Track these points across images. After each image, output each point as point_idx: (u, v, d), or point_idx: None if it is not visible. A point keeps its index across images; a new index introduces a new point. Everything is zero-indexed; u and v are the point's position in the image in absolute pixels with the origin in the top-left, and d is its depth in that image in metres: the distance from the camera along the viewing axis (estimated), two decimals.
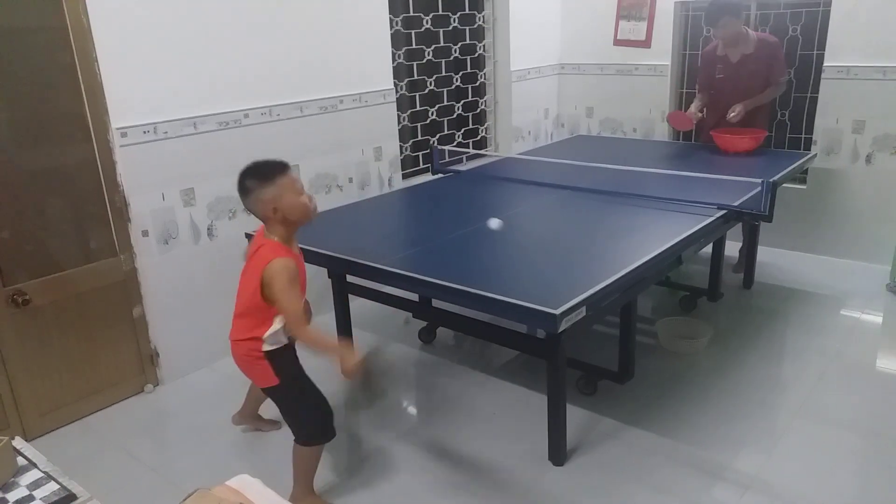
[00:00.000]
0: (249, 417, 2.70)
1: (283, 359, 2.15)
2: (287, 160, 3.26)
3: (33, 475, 1.40)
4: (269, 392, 2.22)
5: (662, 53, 4.71)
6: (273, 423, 2.71)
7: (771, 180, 2.85)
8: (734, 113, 3.76)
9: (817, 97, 4.10)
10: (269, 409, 2.54)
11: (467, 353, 3.35)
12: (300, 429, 2.25)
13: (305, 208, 2.09)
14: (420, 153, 4.44)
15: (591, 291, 2.13)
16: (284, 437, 2.67)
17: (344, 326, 3.09)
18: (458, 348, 3.43)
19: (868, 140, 3.98)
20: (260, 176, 2.04)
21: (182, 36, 2.92)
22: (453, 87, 4.59)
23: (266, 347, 2.10)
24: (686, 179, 3.21)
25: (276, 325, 2.08)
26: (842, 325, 3.46)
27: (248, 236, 2.86)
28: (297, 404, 2.24)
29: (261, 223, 2.14)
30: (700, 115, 4.05)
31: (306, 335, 2.05)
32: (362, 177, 3.84)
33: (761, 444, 2.54)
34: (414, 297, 2.97)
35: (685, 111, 4.07)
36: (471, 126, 4.83)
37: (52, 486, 1.37)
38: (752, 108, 3.81)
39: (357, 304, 3.12)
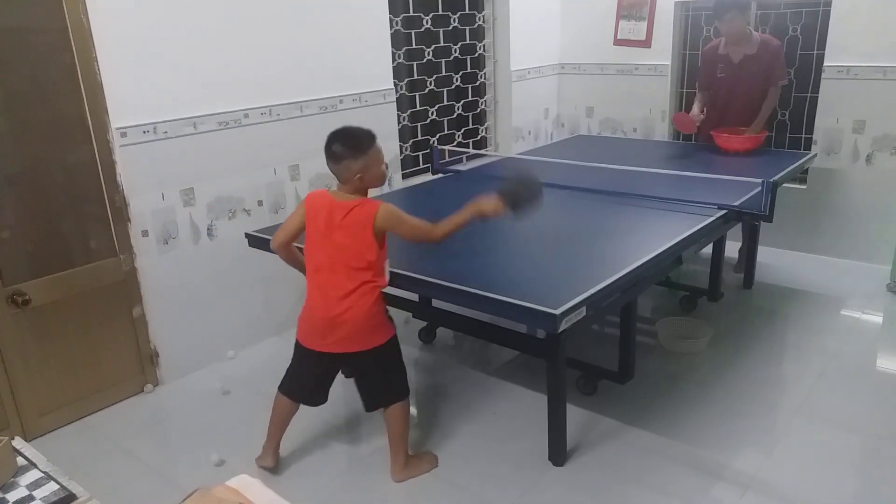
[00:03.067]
0: (274, 453, 2.50)
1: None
2: (287, 160, 3.26)
3: (33, 475, 1.40)
4: (384, 348, 2.28)
5: (663, 53, 4.71)
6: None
7: (771, 180, 2.85)
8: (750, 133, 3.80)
9: (817, 97, 4.10)
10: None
11: (467, 353, 3.35)
12: (403, 378, 2.39)
13: (384, 177, 2.31)
14: (420, 153, 4.43)
15: (592, 291, 2.13)
16: (283, 438, 2.67)
17: None
18: (458, 348, 3.43)
19: (868, 140, 3.98)
20: (354, 145, 2.17)
21: (182, 36, 2.92)
22: (453, 86, 4.59)
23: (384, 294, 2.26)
24: (686, 179, 3.21)
25: (388, 269, 2.28)
26: (842, 325, 3.46)
27: (250, 237, 2.86)
28: (401, 355, 2.37)
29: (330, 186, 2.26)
30: (702, 115, 4.05)
31: (446, 230, 2.25)
32: None
33: (761, 443, 2.54)
34: (414, 296, 2.97)
35: (688, 113, 4.06)
36: (471, 126, 4.83)
37: (52, 486, 1.36)
38: (753, 108, 3.82)
39: None
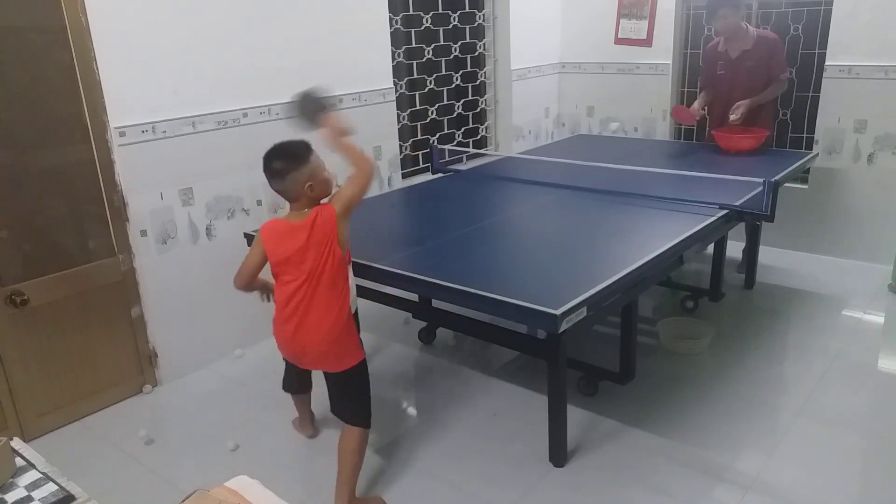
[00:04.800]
0: (311, 423, 2.70)
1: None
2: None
3: (32, 476, 1.40)
4: (349, 373, 2.19)
5: (663, 52, 4.70)
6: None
7: (772, 180, 2.84)
8: (735, 115, 3.74)
9: (819, 96, 4.08)
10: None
11: (467, 354, 3.34)
12: (366, 408, 2.27)
13: (332, 183, 2.17)
14: (420, 152, 4.42)
15: (592, 291, 2.12)
16: (283, 439, 2.67)
17: None
18: (459, 349, 3.42)
19: (870, 139, 3.97)
20: (293, 157, 2.08)
21: (181, 35, 2.91)
22: (453, 85, 4.58)
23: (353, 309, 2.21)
24: (687, 179, 3.20)
25: (352, 278, 2.21)
26: (843, 326, 3.45)
27: (249, 237, 2.85)
28: (367, 378, 2.28)
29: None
30: (702, 111, 4.03)
31: (361, 160, 2.15)
32: None
33: (762, 444, 2.53)
34: (414, 297, 2.96)
35: (689, 107, 4.06)
36: (471, 125, 4.82)
37: (51, 487, 1.36)
38: (755, 107, 3.80)
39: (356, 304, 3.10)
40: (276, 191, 2.12)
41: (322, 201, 2.14)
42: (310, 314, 2.10)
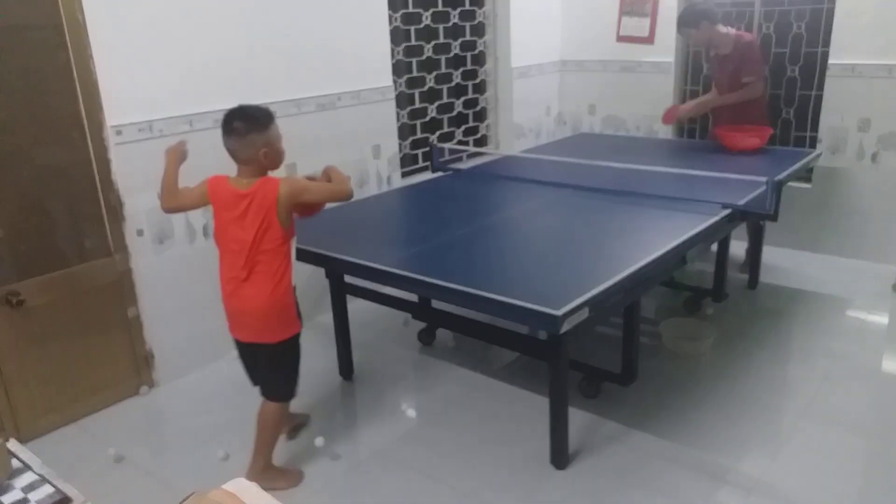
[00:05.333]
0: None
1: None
2: (286, 158, 3.20)
3: (28, 478, 1.39)
4: (283, 345, 2.24)
5: (666, 50, 4.67)
6: (304, 415, 2.73)
7: (776, 179, 2.81)
8: (683, 108, 3.95)
9: (822, 95, 4.07)
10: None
11: (467, 355, 3.32)
12: (288, 382, 2.33)
13: (283, 156, 2.24)
14: (419, 151, 4.40)
15: (594, 292, 2.09)
16: (280, 441, 2.64)
17: (342, 328, 3.05)
18: (458, 350, 3.39)
19: (874, 138, 3.94)
20: (255, 120, 2.13)
21: (178, 33, 2.89)
22: (453, 83, 4.55)
23: (293, 283, 2.23)
24: (690, 178, 3.17)
25: (294, 252, 2.23)
26: (848, 326, 3.43)
27: None
28: (298, 354, 2.32)
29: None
30: (689, 108, 4.02)
31: (345, 180, 2.32)
32: (361, 175, 3.80)
33: (766, 446, 2.51)
34: (413, 297, 2.94)
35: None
36: (471, 123, 4.79)
37: (47, 489, 1.35)
38: (733, 110, 3.80)
39: (355, 304, 3.08)
40: (229, 150, 2.16)
41: (269, 173, 2.20)
42: (249, 282, 2.16)
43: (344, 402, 2.95)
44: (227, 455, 2.56)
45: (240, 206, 2.14)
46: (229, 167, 3.27)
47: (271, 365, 2.31)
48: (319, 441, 2.58)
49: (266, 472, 2.34)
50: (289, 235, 2.20)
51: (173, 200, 2.31)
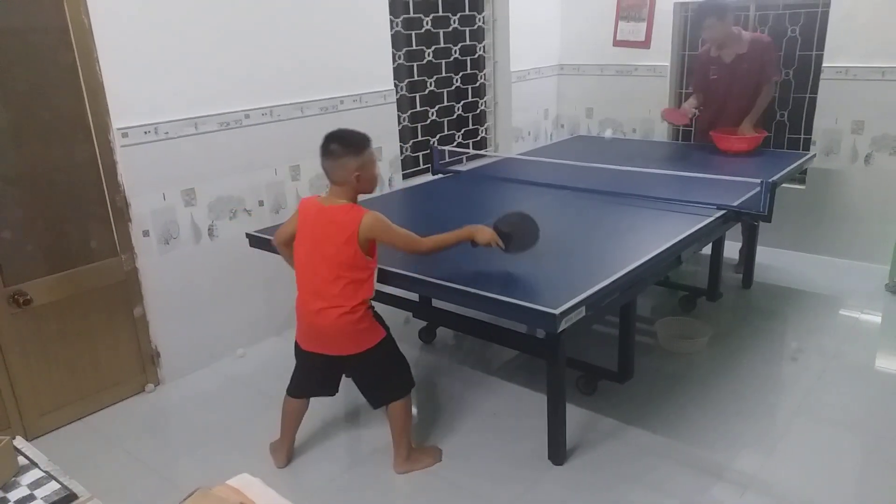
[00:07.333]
0: (288, 451, 2.54)
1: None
2: (287, 160, 3.28)
3: (34, 475, 1.40)
4: (375, 351, 2.29)
5: (662, 54, 4.72)
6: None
7: (770, 180, 2.85)
8: (743, 134, 3.80)
9: (816, 98, 4.10)
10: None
11: (467, 353, 3.36)
12: (402, 376, 2.41)
13: (378, 181, 2.32)
14: (420, 153, 4.44)
15: (591, 291, 2.13)
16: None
17: None
18: (458, 348, 3.43)
19: (867, 140, 3.98)
20: (352, 144, 2.19)
21: (183, 36, 2.93)
22: (453, 87, 4.60)
23: (372, 304, 2.28)
24: (685, 180, 3.21)
25: (375, 279, 2.29)
26: (841, 325, 3.47)
27: (251, 237, 2.86)
28: (399, 352, 2.39)
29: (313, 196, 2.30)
30: (695, 111, 4.05)
31: (434, 244, 2.28)
32: None
33: (760, 443, 2.54)
34: (414, 296, 2.97)
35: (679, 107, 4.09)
36: (471, 126, 4.83)
37: (53, 486, 1.36)
38: (745, 111, 3.83)
39: None
40: (324, 169, 2.23)
41: (360, 197, 2.26)
42: (323, 298, 2.21)
43: (344, 398, 2.98)
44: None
45: (321, 222, 2.20)
46: (230, 167, 3.31)
47: (376, 370, 2.36)
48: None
49: (411, 458, 2.45)
50: (369, 262, 2.23)
51: (278, 235, 2.43)
